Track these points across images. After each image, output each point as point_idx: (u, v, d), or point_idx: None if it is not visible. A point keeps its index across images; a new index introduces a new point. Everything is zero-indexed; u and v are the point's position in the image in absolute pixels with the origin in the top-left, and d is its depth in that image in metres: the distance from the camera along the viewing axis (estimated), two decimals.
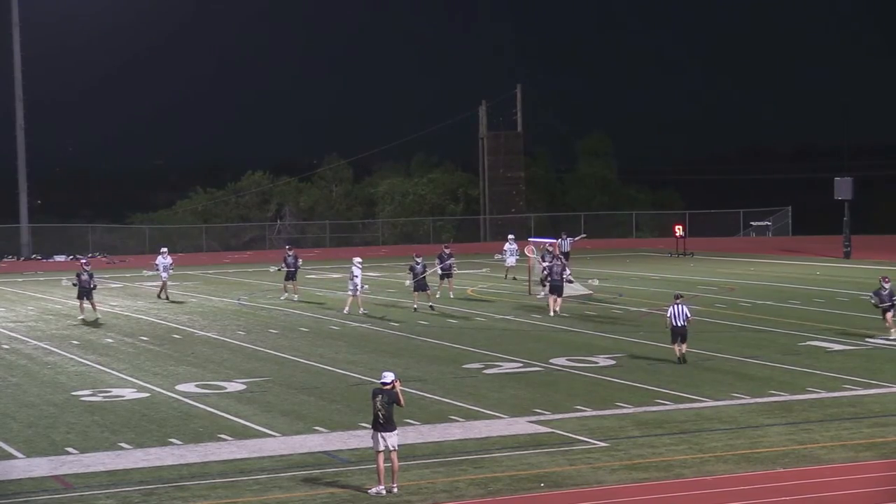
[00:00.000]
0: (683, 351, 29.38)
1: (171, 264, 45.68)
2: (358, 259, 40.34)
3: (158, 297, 45.33)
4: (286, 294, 44.22)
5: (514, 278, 50.13)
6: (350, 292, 39.74)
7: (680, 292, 31.13)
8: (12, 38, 73.58)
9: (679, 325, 29.27)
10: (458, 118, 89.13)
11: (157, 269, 45.37)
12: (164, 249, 46.56)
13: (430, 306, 40.74)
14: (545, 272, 41.19)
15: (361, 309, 39.44)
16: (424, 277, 40.99)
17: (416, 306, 40.52)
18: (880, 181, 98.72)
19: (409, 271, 41.31)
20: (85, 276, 39.04)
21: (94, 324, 38.42)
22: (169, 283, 46.15)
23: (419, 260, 41.32)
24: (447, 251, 46.29)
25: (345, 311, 39.43)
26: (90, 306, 39.27)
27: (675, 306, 29.36)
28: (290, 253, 44.88)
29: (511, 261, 51.20)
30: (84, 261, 41.88)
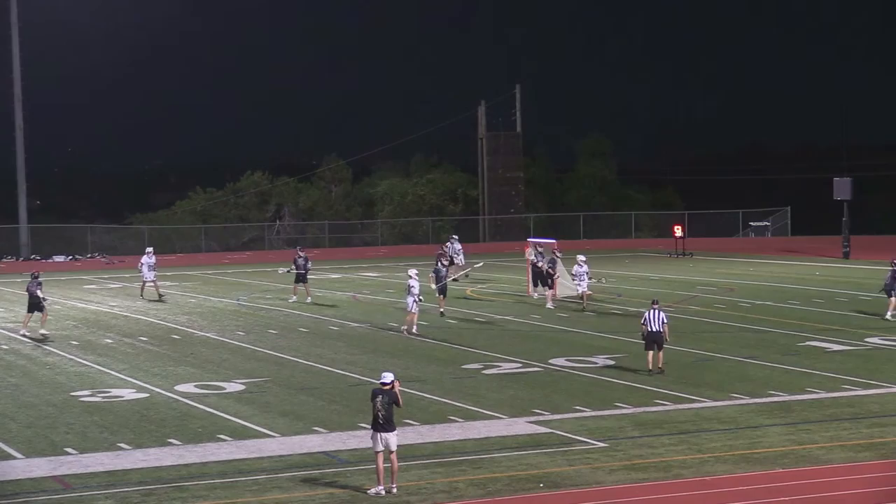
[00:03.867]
0: (660, 362, 27.76)
1: (154, 264, 45.67)
2: (414, 271, 36.43)
3: (142, 296, 45.34)
4: (295, 297, 43.54)
5: (455, 279, 50.77)
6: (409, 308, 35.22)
7: (656, 298, 29.87)
8: (12, 39, 73.58)
9: (654, 330, 27.70)
10: (457, 118, 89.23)
11: (141, 270, 45.54)
12: (150, 249, 46.54)
13: (441, 312, 39.04)
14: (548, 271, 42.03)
15: (414, 327, 35.25)
16: (446, 282, 39.72)
17: (442, 310, 38.91)
18: (880, 181, 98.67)
19: (432, 274, 39.34)
20: (33, 287, 36.15)
21: (97, 324, 38.42)
22: (160, 282, 46.43)
23: (445, 263, 40.85)
24: (448, 249, 46.99)
25: (405, 330, 35.28)
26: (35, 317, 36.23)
27: (652, 311, 27.97)
28: (302, 255, 44.08)
29: (458, 261, 51.72)
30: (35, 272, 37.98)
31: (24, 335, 35.79)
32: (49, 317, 36.57)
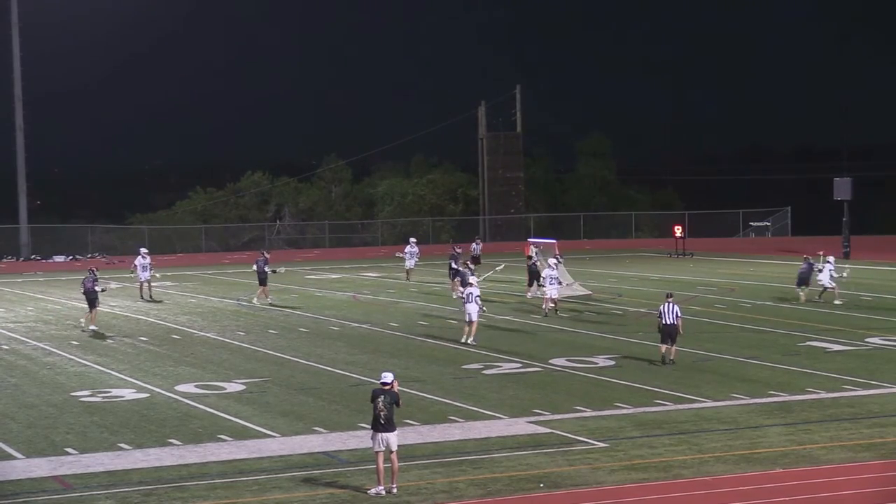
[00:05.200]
0: (672, 353, 29.20)
1: (149, 264, 45.78)
2: (475, 278, 34.83)
3: (142, 297, 45.21)
4: (257, 299, 43.38)
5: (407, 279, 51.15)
6: (470, 314, 32.79)
7: (671, 291, 31.18)
8: (12, 38, 73.58)
9: (668, 322, 29.07)
10: (457, 118, 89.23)
11: (136, 271, 45.64)
12: (144, 250, 46.69)
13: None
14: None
15: (472, 338, 32.75)
16: None
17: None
18: (879, 181, 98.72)
19: (458, 279, 37.81)
20: (90, 283, 37.11)
21: (97, 325, 38.45)
22: (153, 283, 46.27)
23: (473, 267, 39.68)
24: (458, 251, 46.89)
25: (469, 341, 32.65)
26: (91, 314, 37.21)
27: (666, 304, 29.31)
28: (264, 257, 43.84)
29: (410, 263, 51.86)
30: (102, 260, 39.84)
31: (93, 329, 36.44)
32: (48, 316, 36.61)
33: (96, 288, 36.95)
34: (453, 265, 45.41)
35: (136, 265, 45.77)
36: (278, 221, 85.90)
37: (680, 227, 66.05)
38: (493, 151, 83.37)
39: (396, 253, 56.78)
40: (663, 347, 29.26)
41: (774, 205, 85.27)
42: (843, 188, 62.14)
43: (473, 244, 54.59)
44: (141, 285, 45.68)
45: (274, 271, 44.50)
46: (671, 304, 29.23)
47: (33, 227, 75.24)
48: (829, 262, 42.45)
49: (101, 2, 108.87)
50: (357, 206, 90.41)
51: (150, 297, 45.29)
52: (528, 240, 51.01)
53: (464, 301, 33.04)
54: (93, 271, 38.03)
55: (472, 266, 38.75)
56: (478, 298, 32.76)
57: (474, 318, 32.65)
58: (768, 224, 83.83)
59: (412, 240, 53.95)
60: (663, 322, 29.17)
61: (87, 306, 37.28)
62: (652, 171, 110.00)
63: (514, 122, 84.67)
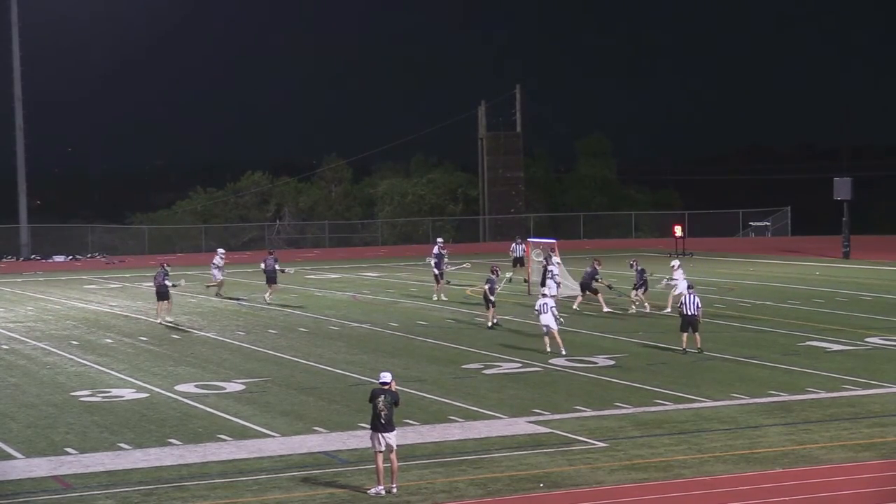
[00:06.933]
0: (696, 341, 30.31)
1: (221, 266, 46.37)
2: (549, 290, 33.86)
3: (219, 295, 45.51)
4: (266, 296, 43.78)
5: (448, 282, 50.48)
6: (548, 324, 31.25)
7: (692, 283, 32.61)
8: (12, 39, 73.60)
9: (690, 314, 30.32)
10: (457, 118, 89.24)
11: (212, 270, 46.01)
12: (222, 251, 47.14)
13: (496, 323, 36.61)
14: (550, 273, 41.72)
15: (562, 348, 31.06)
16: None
17: (492, 322, 36.49)
18: (880, 181, 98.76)
19: (486, 285, 36.66)
20: (161, 278, 38.40)
21: (97, 324, 38.45)
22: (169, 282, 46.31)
23: (498, 272, 38.42)
24: (444, 251, 46.68)
25: (561, 352, 30.85)
26: (165, 307, 38.65)
27: (688, 296, 30.71)
28: (270, 257, 44.44)
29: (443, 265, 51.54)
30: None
31: (160, 323, 37.72)
32: (48, 316, 36.59)
33: (167, 282, 38.34)
34: (434, 263, 45.11)
35: (213, 264, 46.05)
36: (278, 221, 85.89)
37: (680, 227, 66.03)
38: (493, 151, 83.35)
39: (427, 258, 57.12)
40: (684, 337, 30.42)
41: (774, 205, 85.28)
42: (843, 188, 62.11)
43: (513, 244, 52.74)
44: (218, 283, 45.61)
45: (283, 271, 44.62)
46: (693, 296, 30.61)
47: (33, 227, 75.25)
48: (676, 278, 38.72)
49: (101, 2, 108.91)
50: (357, 206, 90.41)
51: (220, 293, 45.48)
52: (528, 239, 51.00)
53: (539, 312, 31.42)
54: (163, 266, 39.31)
55: (497, 271, 38.53)
56: (554, 309, 31.33)
57: (554, 327, 31.05)
58: (768, 224, 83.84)
59: (439, 240, 53.61)
60: (685, 312, 30.41)
61: (158, 301, 38.58)
62: (652, 171, 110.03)
63: (514, 121, 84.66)
